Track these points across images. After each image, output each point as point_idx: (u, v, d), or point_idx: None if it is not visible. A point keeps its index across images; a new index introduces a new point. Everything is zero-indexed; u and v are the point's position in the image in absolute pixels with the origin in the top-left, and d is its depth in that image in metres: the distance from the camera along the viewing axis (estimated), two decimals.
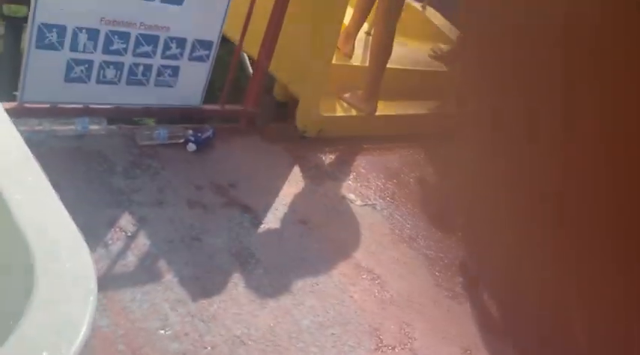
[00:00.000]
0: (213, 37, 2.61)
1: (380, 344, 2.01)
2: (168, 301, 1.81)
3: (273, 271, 2.12)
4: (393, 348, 2.02)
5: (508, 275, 2.82)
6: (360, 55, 3.58)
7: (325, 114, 3.14)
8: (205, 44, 2.60)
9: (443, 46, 4.21)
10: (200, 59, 2.62)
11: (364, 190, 2.89)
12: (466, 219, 3.13)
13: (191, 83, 2.66)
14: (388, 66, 3.34)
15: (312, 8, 2.94)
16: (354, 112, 3.31)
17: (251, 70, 4.18)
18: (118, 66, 2.39)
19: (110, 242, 1.93)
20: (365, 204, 2.78)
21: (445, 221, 3.00)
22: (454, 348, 2.15)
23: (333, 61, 3.18)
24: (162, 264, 1.94)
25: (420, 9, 4.70)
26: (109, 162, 2.30)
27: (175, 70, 2.58)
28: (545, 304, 2.68)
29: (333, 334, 1.96)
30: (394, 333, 2.09)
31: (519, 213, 3.37)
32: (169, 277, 1.90)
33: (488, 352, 2.22)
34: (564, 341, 2.47)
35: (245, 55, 3.35)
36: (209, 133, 2.68)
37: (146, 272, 1.88)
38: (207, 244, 2.11)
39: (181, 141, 2.60)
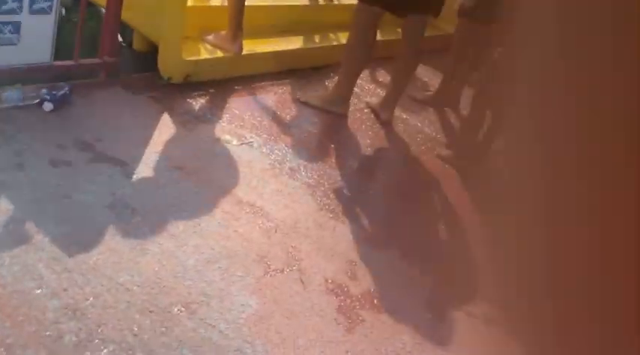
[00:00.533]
0: None
1: (268, 270, 2.06)
2: (41, 261, 1.74)
3: (151, 218, 2.09)
4: (282, 271, 2.08)
5: (390, 192, 2.95)
6: None
7: (190, 59, 3.06)
8: None
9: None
10: (42, 11, 2.46)
11: (239, 130, 2.88)
12: (342, 146, 3.21)
13: (37, 39, 2.49)
14: (253, 3, 3.30)
15: None
16: (220, 54, 3.25)
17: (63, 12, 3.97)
18: None
19: None
20: (242, 144, 2.78)
21: (323, 150, 3.07)
22: (340, 263, 2.24)
23: (191, 3, 3.09)
24: (30, 225, 1.85)
25: None
26: None
27: (16, 26, 2.41)
28: (427, 216, 2.85)
29: (220, 268, 1.98)
30: (281, 258, 2.14)
31: (390, 135, 3.50)
32: (40, 237, 1.82)
33: (374, 263, 2.33)
34: (448, 253, 2.65)
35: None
36: (65, 90, 2.55)
37: (12, 236, 1.79)
38: (78, 201, 2.04)
39: (36, 101, 2.45)
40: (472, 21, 3.72)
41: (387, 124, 3.50)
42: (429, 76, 4.74)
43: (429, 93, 4.25)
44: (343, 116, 3.43)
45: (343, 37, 3.72)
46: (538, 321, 2.27)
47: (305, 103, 3.39)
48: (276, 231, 2.28)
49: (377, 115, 3.55)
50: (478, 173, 3.30)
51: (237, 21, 3.22)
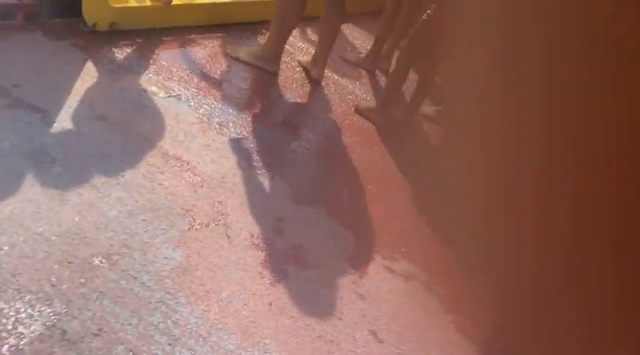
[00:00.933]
0: None
1: (193, 224, 2.05)
2: None
3: (72, 168, 2.03)
4: (207, 225, 2.07)
5: (317, 149, 2.98)
6: None
7: (116, 6, 2.94)
8: None
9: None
10: None
11: (167, 82, 2.81)
12: (272, 103, 3.19)
13: None
14: None
15: None
16: (148, 2, 3.13)
17: None
18: None
19: None
20: (169, 96, 2.71)
21: (253, 106, 3.04)
22: (267, 219, 2.25)
23: None
24: None
25: None
26: None
27: None
28: (352, 174, 2.89)
29: (143, 220, 1.95)
30: (207, 212, 2.13)
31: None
32: None
33: (300, 219, 2.36)
34: (372, 211, 2.71)
35: None
36: None
37: None
38: None
39: None
40: None
41: (317, 82, 3.51)
42: (361, 39, 4.76)
43: (360, 54, 4.28)
44: (274, 74, 3.41)
45: None
46: (452, 280, 2.38)
47: (236, 59, 3.34)
48: (202, 186, 2.26)
49: (307, 73, 3.56)
50: (397, 130, 3.41)
51: None
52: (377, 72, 4.12)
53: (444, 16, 3.24)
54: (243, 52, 3.38)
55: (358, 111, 3.50)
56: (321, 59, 3.57)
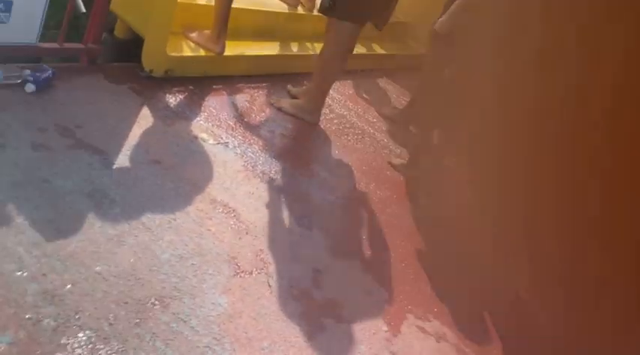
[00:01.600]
0: None
1: (238, 271, 2.14)
2: (21, 244, 1.77)
3: (129, 210, 2.14)
4: (250, 273, 2.16)
5: (355, 202, 3.07)
6: None
7: (172, 54, 3.11)
8: None
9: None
10: None
11: (216, 129, 2.94)
12: (311, 153, 3.31)
13: (26, 19, 2.50)
14: (239, 6, 3.36)
15: None
16: (202, 52, 3.30)
17: (83, 9, 3.96)
18: None
19: None
20: (217, 143, 2.84)
21: (294, 156, 3.16)
22: (306, 270, 2.34)
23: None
24: (10, 208, 1.88)
25: None
26: None
27: (8, 5, 2.41)
28: (388, 228, 2.97)
29: (193, 264, 2.05)
30: (250, 260, 2.22)
31: (360, 152, 3.63)
32: (20, 220, 1.85)
33: (336, 272, 2.44)
34: (407, 266, 2.78)
35: None
36: (49, 73, 2.55)
37: None
38: (58, 186, 2.07)
39: (18, 81, 2.45)
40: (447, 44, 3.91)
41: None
42: (396, 93, 4.91)
43: (395, 110, 4.41)
44: (314, 125, 3.54)
45: (319, 47, 3.82)
46: (483, 342, 2.44)
47: (279, 109, 3.48)
48: (246, 233, 2.36)
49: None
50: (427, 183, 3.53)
51: (223, 22, 3.28)
52: (410, 128, 4.25)
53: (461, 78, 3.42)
54: (286, 103, 3.53)
55: (392, 166, 3.61)
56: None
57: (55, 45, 2.73)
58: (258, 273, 2.19)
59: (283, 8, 4.20)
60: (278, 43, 4.00)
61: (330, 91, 4.13)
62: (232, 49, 3.49)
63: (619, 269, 2.71)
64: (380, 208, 3.10)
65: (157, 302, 1.83)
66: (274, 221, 2.53)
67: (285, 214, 2.61)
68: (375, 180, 3.35)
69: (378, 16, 3.50)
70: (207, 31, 3.32)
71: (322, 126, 3.62)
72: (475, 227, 3.32)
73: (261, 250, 2.31)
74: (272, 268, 2.25)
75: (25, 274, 1.69)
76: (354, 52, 4.59)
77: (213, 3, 3.38)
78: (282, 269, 2.27)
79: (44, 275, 1.72)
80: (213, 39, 3.29)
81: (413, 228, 3.10)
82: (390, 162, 3.62)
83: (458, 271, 2.93)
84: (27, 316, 1.58)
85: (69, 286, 1.73)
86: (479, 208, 3.46)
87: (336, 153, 3.43)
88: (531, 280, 2.96)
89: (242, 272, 2.15)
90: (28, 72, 2.48)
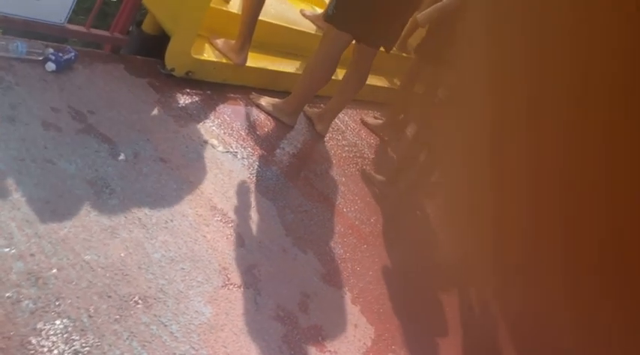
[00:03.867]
0: None
1: (227, 282, 2.09)
2: (14, 220, 1.73)
3: (128, 203, 2.10)
4: (239, 287, 2.11)
5: (353, 227, 3.03)
6: (238, 2, 3.56)
7: (196, 57, 3.10)
8: None
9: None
10: None
11: (227, 137, 2.92)
12: (319, 173, 3.29)
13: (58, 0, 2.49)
14: (267, 20, 3.36)
15: None
16: (225, 60, 3.29)
17: None
18: None
19: None
20: (227, 151, 2.82)
21: (299, 174, 3.13)
22: (295, 292, 2.29)
23: (211, 4, 3.13)
24: (10, 182, 1.84)
25: None
26: None
27: None
28: (383, 262, 2.93)
29: (182, 269, 2.01)
30: (241, 273, 2.18)
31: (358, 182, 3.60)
32: (17, 196, 1.81)
33: (325, 299, 2.39)
34: (398, 303, 2.73)
35: None
36: (71, 55, 2.54)
37: None
38: (61, 168, 2.04)
39: (40, 58, 2.44)
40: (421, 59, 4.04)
41: (321, 136, 3.64)
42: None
43: (378, 121, 4.43)
44: (290, 127, 3.48)
45: (340, 73, 3.83)
46: None
47: (257, 105, 3.42)
48: (241, 246, 2.32)
49: (312, 125, 3.67)
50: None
51: (248, 34, 3.27)
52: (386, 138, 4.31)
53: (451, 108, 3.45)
54: (265, 100, 3.47)
55: (365, 176, 3.59)
56: (330, 116, 3.70)
57: (81, 28, 2.72)
58: (247, 288, 2.14)
59: (311, 28, 4.21)
60: (300, 62, 4.00)
61: (346, 118, 4.14)
62: (255, 60, 3.48)
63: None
64: (380, 242, 3.07)
65: (140, 301, 1.78)
66: (271, 238, 2.49)
67: (283, 233, 2.57)
68: (377, 212, 3.32)
69: (381, 34, 3.42)
70: (232, 41, 3.32)
71: (332, 153, 3.60)
72: (474, 264, 3.29)
73: (253, 265, 2.27)
74: (261, 285, 2.20)
75: (12, 251, 1.65)
76: (379, 85, 4.64)
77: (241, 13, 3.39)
78: (272, 288, 2.22)
79: (32, 255, 1.68)
80: (236, 50, 3.28)
81: (411, 264, 3.06)
82: (363, 171, 3.60)
83: (451, 311, 2.88)
84: (7, 294, 1.53)
85: (54, 270, 1.68)
86: (474, 241, 3.44)
87: (342, 180, 3.40)
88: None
89: (231, 284, 2.10)
90: (51, 50, 2.47)
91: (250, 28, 3.26)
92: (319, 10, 4.48)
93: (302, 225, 2.73)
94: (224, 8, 3.42)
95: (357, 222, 3.11)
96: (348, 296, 2.51)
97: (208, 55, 3.23)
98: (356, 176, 3.55)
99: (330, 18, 3.30)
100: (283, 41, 3.89)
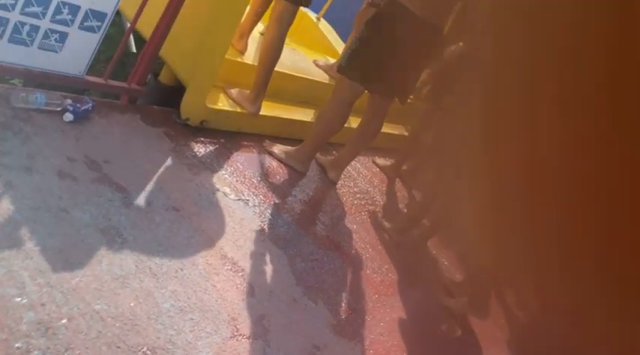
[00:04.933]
0: (109, 9, 2.55)
1: (236, 333, 2.08)
2: (27, 269, 1.75)
3: (139, 253, 2.12)
4: (248, 338, 2.10)
5: (367, 282, 3.02)
6: (252, 54, 3.65)
7: (210, 106, 3.17)
8: (99, 15, 2.54)
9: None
10: (91, 29, 2.55)
11: (239, 185, 2.95)
12: (330, 221, 3.29)
13: (77, 52, 2.58)
14: (281, 70, 3.43)
15: (213, 0, 2.97)
16: (238, 109, 3.36)
17: (134, 48, 4.11)
18: (2, 21, 2.27)
19: None
20: (238, 199, 2.84)
21: (312, 225, 3.14)
22: (305, 344, 2.27)
23: (226, 56, 3.22)
24: (24, 231, 1.87)
25: (315, 20, 4.86)
26: None
27: (63, 36, 2.49)
28: (394, 315, 2.90)
29: (192, 319, 2.00)
30: (250, 324, 2.17)
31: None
32: (31, 246, 1.84)
33: (336, 351, 2.36)
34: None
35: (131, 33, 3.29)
36: (89, 106, 2.61)
37: (6, 238, 1.81)
38: (75, 217, 2.07)
39: (58, 109, 2.51)
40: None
41: (333, 183, 3.66)
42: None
43: (387, 162, 4.46)
44: (302, 174, 3.51)
45: (354, 122, 3.88)
46: None
47: (269, 153, 3.47)
48: (251, 296, 2.31)
49: (325, 172, 3.70)
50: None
51: (263, 85, 3.35)
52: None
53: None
54: (278, 148, 3.51)
55: (377, 224, 3.59)
56: (342, 163, 3.73)
57: (99, 80, 2.80)
58: (256, 339, 2.13)
59: (324, 78, 4.29)
60: (313, 111, 4.07)
61: (358, 165, 4.17)
62: (269, 109, 3.55)
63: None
64: (392, 292, 3.04)
65: (149, 352, 1.78)
66: (281, 287, 2.49)
67: (294, 282, 2.57)
68: (389, 261, 3.31)
69: (394, 85, 3.45)
70: (247, 91, 3.39)
71: (344, 200, 3.62)
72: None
73: (262, 315, 2.26)
74: (271, 336, 2.19)
75: (24, 301, 1.66)
76: (392, 132, 4.69)
77: (257, 64, 3.47)
78: (281, 340, 2.21)
79: (43, 305, 1.69)
80: (251, 99, 3.35)
81: (423, 316, 3.02)
82: (379, 222, 3.59)
83: None
84: (17, 345, 1.54)
85: (65, 320, 1.69)
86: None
87: (354, 227, 3.40)
88: None
89: (240, 335, 2.10)
90: (69, 101, 2.54)
91: (266, 79, 3.34)
92: (332, 60, 4.58)
93: (313, 274, 2.73)
94: (239, 59, 3.51)
95: (368, 271, 3.10)
96: (359, 348, 2.48)
97: (222, 104, 3.31)
98: (368, 223, 3.55)
99: (342, 69, 3.37)
100: (296, 90, 3.97)
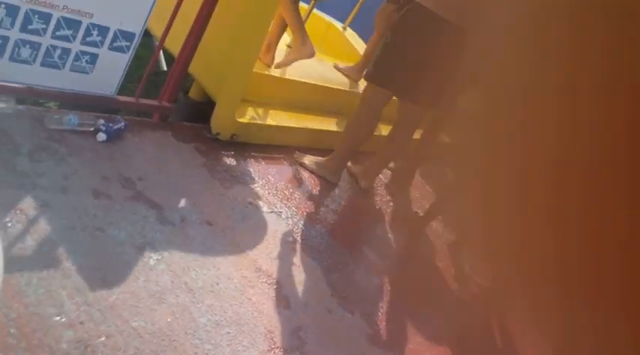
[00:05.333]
0: (137, 29, 2.60)
1: (273, 346, 2.08)
2: (65, 288, 1.78)
3: (175, 268, 2.14)
4: (285, 351, 2.09)
5: (402, 292, 2.98)
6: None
7: (240, 120, 3.19)
8: (128, 35, 2.59)
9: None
10: (120, 50, 2.60)
11: (271, 198, 2.96)
12: (363, 231, 3.27)
13: (108, 72, 2.63)
14: (308, 81, 3.45)
15: (239, 15, 2.99)
16: (268, 121, 3.38)
17: (164, 67, 4.18)
18: (35, 46, 2.33)
19: (9, 224, 1.87)
20: (271, 212, 2.85)
21: (345, 235, 3.13)
22: None
23: (254, 70, 3.24)
24: (61, 251, 1.91)
25: (341, 30, 4.87)
26: (14, 143, 2.23)
27: (94, 58, 2.54)
28: (432, 325, 2.86)
29: (228, 333, 2.01)
30: (287, 336, 2.16)
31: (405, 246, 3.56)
32: (68, 265, 1.87)
33: None
34: None
35: (161, 51, 3.34)
36: (121, 125, 2.65)
37: (44, 258, 1.84)
38: (111, 235, 2.10)
39: (91, 129, 2.56)
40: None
41: (365, 191, 3.64)
42: None
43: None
44: (334, 185, 3.50)
45: (384, 130, 3.86)
46: None
47: (300, 164, 3.47)
48: (286, 308, 2.31)
49: (356, 181, 3.68)
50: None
51: (300, 27, 3.38)
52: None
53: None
54: (309, 159, 3.51)
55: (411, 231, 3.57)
56: (374, 172, 3.71)
57: (131, 99, 2.85)
58: (293, 352, 2.12)
59: (352, 86, 4.28)
60: (342, 120, 4.06)
61: (389, 173, 4.14)
62: (298, 120, 3.56)
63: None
64: (427, 301, 3.00)
65: None
66: (316, 298, 2.47)
67: (329, 293, 2.55)
68: (425, 270, 3.27)
69: (422, 90, 3.38)
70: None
71: (377, 208, 3.59)
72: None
73: (299, 327, 2.25)
74: (307, 348, 2.17)
75: (63, 320, 1.68)
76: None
77: (286, 76, 3.49)
78: (318, 352, 2.19)
79: (82, 323, 1.71)
80: (299, 46, 3.40)
81: (463, 325, 2.97)
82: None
83: None
84: None
85: (103, 338, 1.71)
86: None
87: (388, 237, 3.37)
88: None
89: (277, 348, 2.09)
90: (102, 121, 2.59)
91: (298, 21, 3.43)
92: (351, 64, 4.56)
93: (347, 285, 2.70)
94: (266, 72, 3.53)
95: (404, 280, 3.06)
96: None
97: (251, 118, 3.32)
98: (401, 232, 3.51)
99: (368, 76, 3.36)
100: (325, 100, 3.97)
